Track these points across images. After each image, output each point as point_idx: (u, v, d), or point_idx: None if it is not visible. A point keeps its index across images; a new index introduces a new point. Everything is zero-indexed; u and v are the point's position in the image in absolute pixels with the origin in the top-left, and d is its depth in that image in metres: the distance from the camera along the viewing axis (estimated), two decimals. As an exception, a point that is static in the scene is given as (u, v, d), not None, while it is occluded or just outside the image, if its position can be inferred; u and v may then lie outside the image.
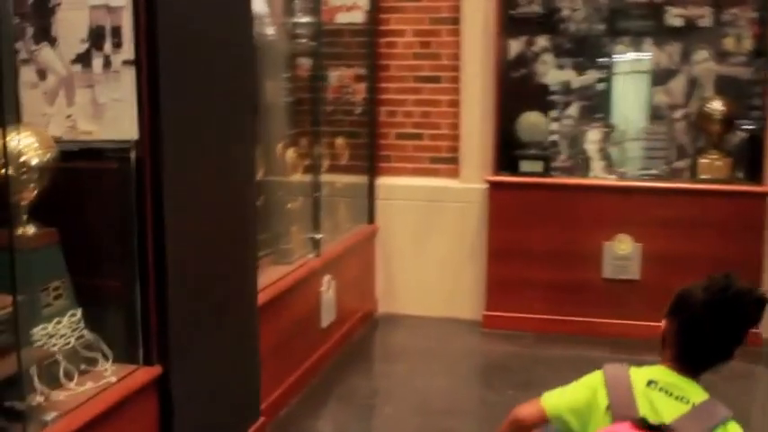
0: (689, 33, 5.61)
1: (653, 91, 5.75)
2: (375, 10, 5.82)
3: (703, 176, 5.45)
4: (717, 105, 5.54)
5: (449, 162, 5.96)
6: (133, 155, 3.42)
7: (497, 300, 5.74)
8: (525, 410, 2.33)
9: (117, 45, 3.41)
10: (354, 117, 5.95)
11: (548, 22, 5.77)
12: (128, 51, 3.40)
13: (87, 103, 3.46)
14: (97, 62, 3.47)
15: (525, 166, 5.78)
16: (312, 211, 5.29)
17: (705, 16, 5.58)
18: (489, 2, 5.62)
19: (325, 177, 5.60)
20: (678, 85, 5.74)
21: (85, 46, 3.42)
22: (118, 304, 3.49)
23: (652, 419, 1.95)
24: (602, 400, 2.11)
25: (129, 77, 3.41)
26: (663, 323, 2.16)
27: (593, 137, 5.78)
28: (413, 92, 5.98)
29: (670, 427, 1.94)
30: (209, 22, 3.62)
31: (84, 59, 3.44)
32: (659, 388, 2.08)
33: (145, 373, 3.47)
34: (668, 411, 2.03)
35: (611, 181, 5.53)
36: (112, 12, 3.42)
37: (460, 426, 4.49)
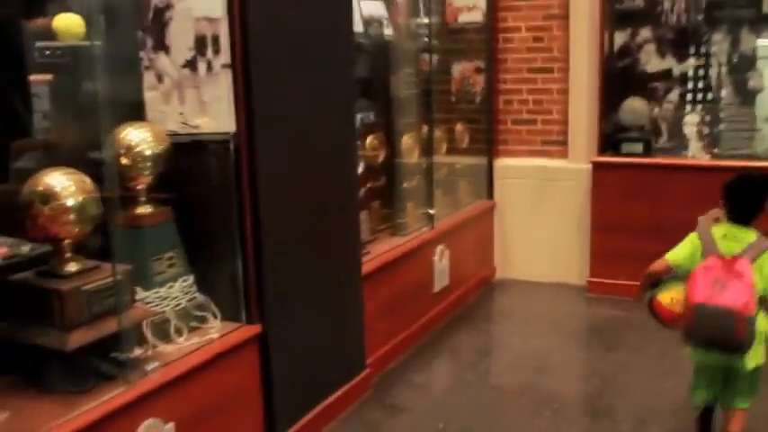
0: None
1: (749, 75, 5.40)
2: (493, 9, 5.76)
3: None
4: None
5: (559, 144, 5.84)
6: (232, 145, 3.51)
7: (600, 268, 5.59)
8: (657, 264, 3.25)
9: (216, 51, 3.46)
10: (475, 106, 5.90)
11: (650, 14, 5.53)
12: (225, 56, 3.46)
13: (195, 101, 3.55)
14: (201, 66, 3.50)
15: (626, 147, 5.57)
16: (427, 189, 5.25)
17: None
18: None
19: (447, 159, 5.66)
20: None
21: (192, 53, 3.51)
22: (225, 271, 3.59)
23: (726, 254, 2.89)
24: (699, 248, 3.05)
25: (226, 79, 3.47)
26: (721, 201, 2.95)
27: (691, 119, 5.47)
28: (527, 82, 5.88)
29: (737, 255, 2.93)
30: (302, 26, 3.68)
31: (191, 64, 3.53)
32: (727, 236, 3.01)
33: (245, 331, 3.54)
34: (735, 248, 2.96)
35: (707, 160, 5.24)
36: (212, 22, 3.47)
37: (548, 381, 4.42)
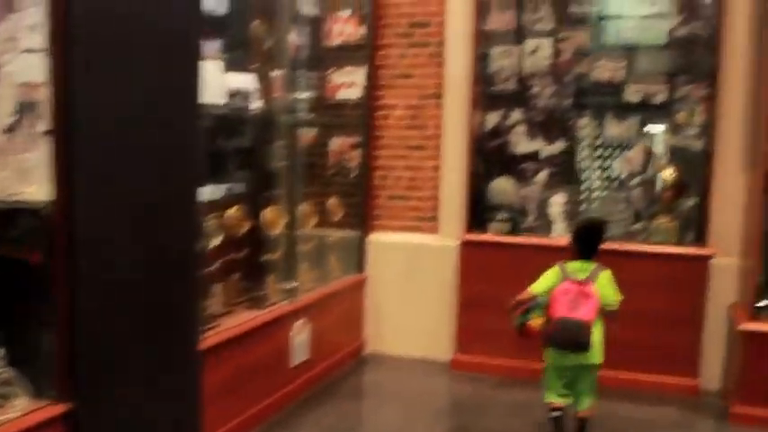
0: (646, 108, 5.26)
1: (613, 159, 5.45)
2: (371, 87, 5.66)
3: (655, 239, 5.09)
4: (668, 174, 5.23)
5: (431, 220, 5.71)
6: (50, 212, 3.23)
7: (466, 345, 5.47)
8: (523, 295, 3.98)
9: (37, 117, 3.18)
10: (351, 180, 5.76)
11: (521, 97, 5.49)
12: (45, 123, 3.20)
13: (16, 168, 3.31)
14: (23, 132, 3.23)
15: (494, 226, 5.53)
16: (290, 262, 5.04)
17: (661, 93, 5.27)
18: (469, 80, 5.40)
19: (319, 232, 5.52)
20: (636, 154, 5.39)
21: (14, 118, 3.28)
22: (39, 343, 3.29)
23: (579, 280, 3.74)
24: (559, 278, 3.90)
25: (46, 146, 3.23)
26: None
27: (556, 200, 5.42)
28: (403, 158, 5.78)
29: (585, 280, 3.90)
30: (133, 94, 3.46)
31: (12, 130, 3.28)
32: (577, 269, 3.95)
33: (51, 410, 3.21)
34: (583, 276, 3.88)
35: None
36: (34, 88, 3.23)
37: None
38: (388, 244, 5.70)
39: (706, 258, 4.89)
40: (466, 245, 5.32)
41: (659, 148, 5.27)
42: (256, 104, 4.81)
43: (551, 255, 4.55)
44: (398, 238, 5.72)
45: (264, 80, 4.95)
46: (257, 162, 5.00)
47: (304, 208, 5.26)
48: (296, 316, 4.93)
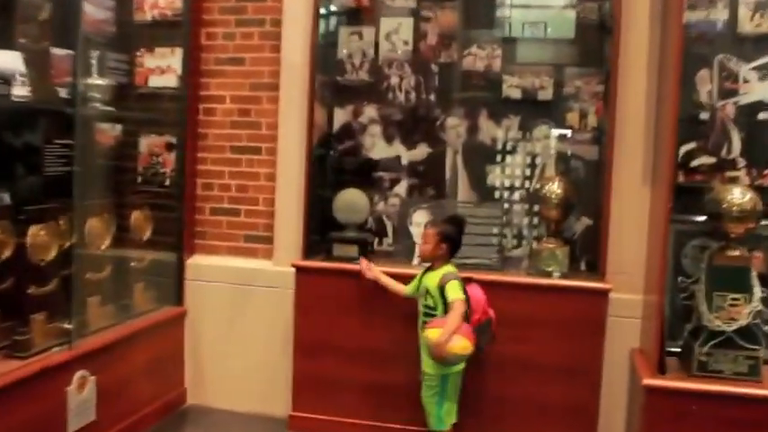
0: (528, 106, 5.06)
1: (489, 169, 5.23)
2: (191, 74, 5.41)
3: (541, 267, 4.78)
4: (555, 188, 4.85)
5: (265, 241, 5.45)
6: None
7: (304, 399, 5.12)
8: (461, 314, 4.24)
9: None
10: (165, 189, 5.48)
11: (375, 90, 5.26)
12: None
13: None
14: None
15: (339, 249, 5.15)
16: (68, 295, 4.62)
17: (546, 88, 5.04)
18: (309, 68, 5.11)
19: (117, 253, 5.23)
20: (517, 162, 5.24)
21: None
22: None
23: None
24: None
25: None
26: (440, 248, 4.42)
27: (419, 219, 5.08)
28: (230, 163, 5.53)
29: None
30: None
31: None
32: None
33: None
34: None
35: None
36: None
37: None
38: (212, 269, 5.46)
39: (603, 293, 4.58)
40: (302, 273, 5.03)
41: (545, 155, 5.11)
42: (20, 91, 4.45)
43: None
44: (225, 262, 5.50)
45: (39, 61, 4.63)
46: (29, 166, 4.65)
47: (95, 223, 4.97)
48: (75, 366, 4.55)
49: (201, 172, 5.55)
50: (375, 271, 4.67)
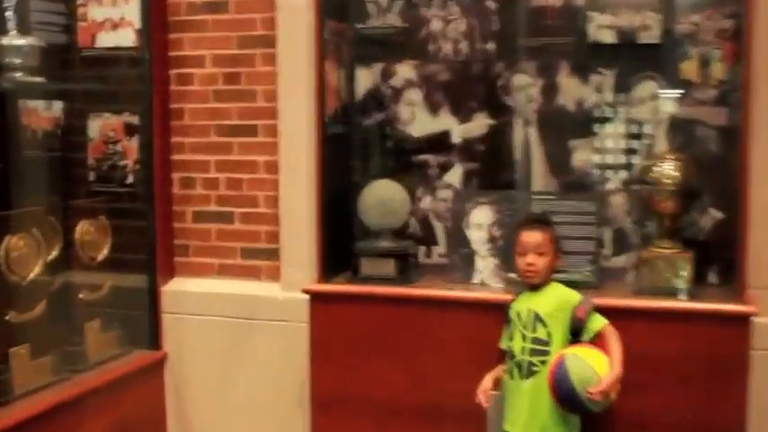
0: (627, 55, 4.64)
1: (574, 145, 4.82)
2: (154, 28, 4.98)
3: (656, 283, 4.32)
4: (670, 169, 4.34)
5: (269, 256, 5.06)
6: None
7: None
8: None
9: None
10: (128, 188, 5.21)
11: (412, 43, 4.91)
12: None
13: None
14: None
15: (368, 266, 4.77)
16: None
17: (651, 28, 4.55)
18: (317, 11, 4.73)
19: (65, 278, 4.82)
20: (614, 135, 4.77)
21: None
22: None
23: None
24: None
25: None
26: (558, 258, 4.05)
27: (480, 219, 4.77)
28: (217, 150, 5.14)
29: None
30: None
31: None
32: None
33: None
34: None
35: (501, 291, 4.44)
36: None
37: None
38: (198, 298, 5.11)
39: (742, 319, 4.06)
40: (318, 301, 4.65)
41: (654, 123, 4.65)
42: None
43: (470, 317, 4.31)
44: (216, 286, 5.14)
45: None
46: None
47: (20, 242, 4.47)
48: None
49: (177, 163, 5.19)
50: (487, 386, 4.15)
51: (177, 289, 5.20)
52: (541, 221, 4.03)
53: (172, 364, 5.24)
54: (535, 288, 3.94)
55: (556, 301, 3.90)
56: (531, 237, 3.96)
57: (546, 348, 3.85)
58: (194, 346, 5.18)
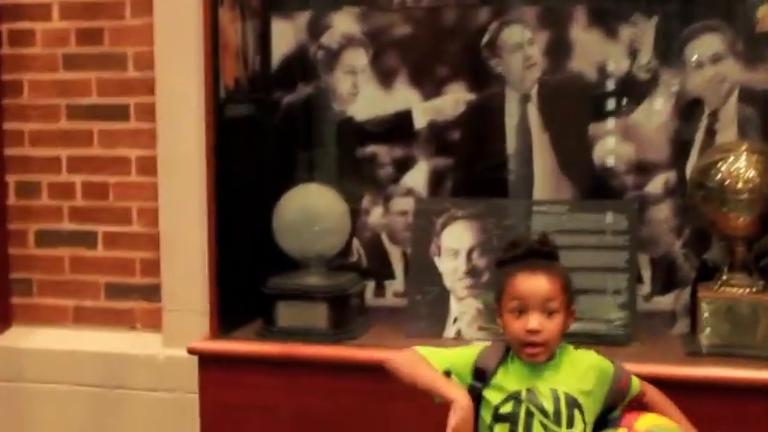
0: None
1: (595, 130, 3.92)
2: None
3: (714, 342, 3.48)
4: (742, 167, 3.43)
5: (147, 295, 4.38)
6: None
7: None
8: None
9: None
10: None
11: None
12: None
13: None
14: None
15: (288, 314, 3.78)
16: None
17: None
18: None
19: None
20: (653, 115, 3.86)
21: None
22: None
23: None
24: None
25: None
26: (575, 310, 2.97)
27: (455, 241, 3.81)
28: (70, 141, 4.43)
29: None
30: None
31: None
32: None
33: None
34: None
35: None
36: None
37: None
38: (44, 357, 4.45)
39: None
40: (211, 365, 3.82)
41: (714, 97, 3.75)
42: None
43: None
44: (71, 340, 4.46)
45: None
46: None
47: None
48: None
49: (13, 161, 4.52)
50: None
51: (13, 345, 4.55)
52: (548, 255, 3.01)
53: (5, 461, 4.37)
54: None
55: (593, 372, 2.92)
56: (535, 284, 2.87)
57: None
58: (39, 428, 4.52)
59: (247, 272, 3.88)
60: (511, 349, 2.86)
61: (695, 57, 3.79)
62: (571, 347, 2.93)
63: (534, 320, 2.76)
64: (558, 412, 2.77)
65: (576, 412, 2.77)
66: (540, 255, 2.96)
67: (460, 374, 2.87)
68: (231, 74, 3.95)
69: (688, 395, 3.21)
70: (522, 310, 2.79)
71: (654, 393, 2.97)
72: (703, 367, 3.35)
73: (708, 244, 3.76)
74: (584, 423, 2.79)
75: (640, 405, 2.93)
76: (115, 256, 4.39)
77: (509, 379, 2.83)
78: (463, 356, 2.90)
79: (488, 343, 2.93)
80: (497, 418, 2.78)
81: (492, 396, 2.81)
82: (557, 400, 2.78)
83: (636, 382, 2.94)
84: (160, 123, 4.17)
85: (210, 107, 3.76)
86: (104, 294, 4.41)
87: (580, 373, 2.86)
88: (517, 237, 3.17)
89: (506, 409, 2.78)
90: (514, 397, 2.79)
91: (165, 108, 4.16)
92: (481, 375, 2.84)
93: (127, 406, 4.31)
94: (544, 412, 2.76)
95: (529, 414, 2.78)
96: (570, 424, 2.76)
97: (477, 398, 2.80)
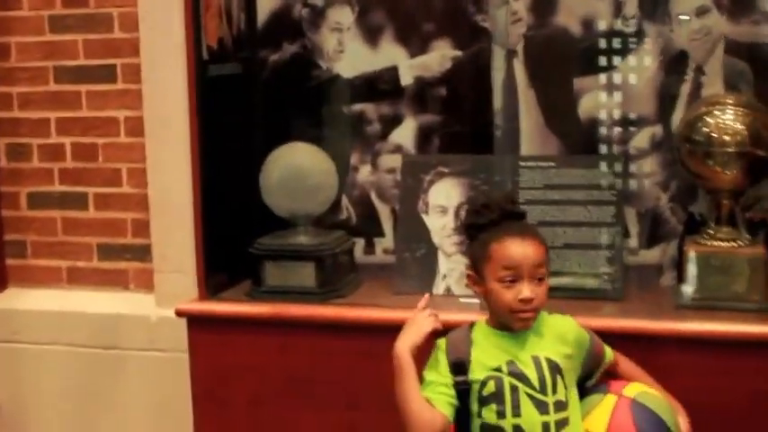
0: None
1: (581, 85, 3.83)
2: None
3: (701, 295, 3.39)
4: (729, 119, 3.35)
5: (139, 256, 4.29)
6: None
7: None
8: None
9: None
10: None
11: None
12: None
13: None
14: None
15: (276, 274, 3.65)
16: None
17: None
18: None
19: None
20: (639, 69, 3.76)
21: None
22: None
23: None
24: None
25: None
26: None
27: (443, 198, 3.73)
28: (59, 103, 4.32)
29: None
30: None
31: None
32: None
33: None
34: None
35: (473, 311, 3.30)
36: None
37: None
38: (39, 318, 4.39)
39: None
40: (200, 326, 3.69)
41: (699, 51, 3.69)
42: None
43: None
44: (65, 301, 4.38)
45: None
46: None
47: None
48: None
49: (3, 124, 4.42)
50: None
51: (9, 307, 4.49)
52: (520, 216, 2.95)
53: (3, 416, 4.53)
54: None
55: (572, 337, 2.77)
56: (526, 251, 2.70)
57: (567, 415, 2.68)
58: (35, 388, 4.46)
59: (236, 232, 3.84)
60: (475, 325, 2.75)
61: (681, 9, 3.74)
62: (545, 313, 2.82)
63: (527, 290, 2.64)
64: (542, 379, 2.65)
65: (558, 378, 2.66)
66: (514, 216, 2.86)
67: (446, 384, 2.72)
68: (215, 33, 3.87)
69: (678, 348, 3.21)
70: (513, 279, 2.67)
71: (627, 363, 2.87)
72: (691, 321, 3.28)
73: (694, 197, 3.70)
74: (566, 388, 2.67)
75: (613, 375, 2.88)
76: (106, 218, 4.34)
77: (487, 355, 2.70)
78: (436, 369, 2.74)
79: (447, 336, 2.77)
80: (482, 401, 2.65)
81: (476, 378, 2.70)
82: (539, 367, 2.67)
83: (609, 350, 2.83)
84: (146, 84, 4.10)
85: (192, 67, 3.69)
86: (97, 255, 4.37)
87: (559, 338, 2.74)
88: (486, 199, 3.03)
89: (489, 389, 2.66)
90: (496, 372, 2.67)
91: (150, 69, 4.09)
92: (460, 367, 2.71)
93: (120, 366, 4.29)
94: (528, 383, 2.65)
95: (513, 389, 2.66)
96: (555, 390, 2.64)
97: (466, 392, 2.68)
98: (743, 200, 3.47)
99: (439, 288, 3.61)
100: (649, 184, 3.80)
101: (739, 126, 3.31)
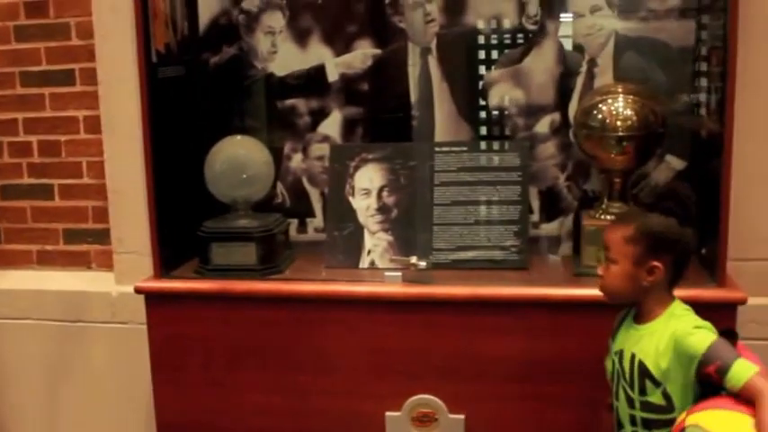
0: None
1: (490, 78, 3.83)
2: None
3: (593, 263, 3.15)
4: (619, 106, 3.37)
5: (100, 239, 4.26)
6: None
7: None
8: None
9: None
10: None
11: None
12: None
13: None
14: None
15: (221, 253, 3.64)
16: None
17: None
18: None
19: None
20: (542, 62, 3.77)
21: None
22: None
23: None
24: None
25: None
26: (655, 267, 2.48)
27: (366, 182, 3.71)
28: (24, 105, 4.28)
29: None
30: None
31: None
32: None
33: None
34: None
35: (395, 284, 3.40)
36: None
37: None
38: (12, 296, 4.34)
39: (728, 307, 3.08)
40: (156, 301, 3.67)
41: (593, 45, 3.71)
42: None
43: (368, 316, 3.29)
44: (35, 280, 4.36)
45: None
46: None
47: None
48: None
49: None
50: None
51: None
52: (630, 215, 2.81)
53: (-4, 381, 4.36)
54: (635, 318, 2.63)
55: (672, 349, 2.46)
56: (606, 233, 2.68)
57: (666, 417, 2.48)
58: (8, 359, 4.46)
59: (184, 217, 3.84)
60: (633, 308, 2.63)
61: (576, 8, 3.75)
62: (678, 312, 2.58)
63: (600, 268, 2.61)
64: (631, 378, 2.55)
65: (649, 383, 2.51)
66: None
67: None
68: (162, 39, 3.84)
69: (575, 312, 3.22)
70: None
71: (759, 392, 2.28)
72: (586, 287, 3.23)
73: (588, 176, 3.72)
74: (665, 397, 2.51)
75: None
76: (70, 206, 4.33)
77: (620, 337, 2.64)
78: None
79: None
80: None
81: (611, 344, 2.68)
82: (632, 366, 2.56)
83: (738, 378, 2.33)
84: (102, 86, 4.09)
85: (143, 70, 3.68)
86: (63, 239, 4.36)
87: (662, 347, 2.51)
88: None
89: (609, 366, 2.66)
90: (615, 355, 2.64)
91: (105, 72, 4.07)
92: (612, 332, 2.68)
93: (86, 337, 4.28)
94: (624, 376, 2.59)
95: (618, 376, 2.61)
96: (642, 392, 2.51)
97: None
98: (632, 178, 3.49)
99: (364, 262, 3.60)
100: (549, 165, 3.80)
101: (629, 112, 3.33)
